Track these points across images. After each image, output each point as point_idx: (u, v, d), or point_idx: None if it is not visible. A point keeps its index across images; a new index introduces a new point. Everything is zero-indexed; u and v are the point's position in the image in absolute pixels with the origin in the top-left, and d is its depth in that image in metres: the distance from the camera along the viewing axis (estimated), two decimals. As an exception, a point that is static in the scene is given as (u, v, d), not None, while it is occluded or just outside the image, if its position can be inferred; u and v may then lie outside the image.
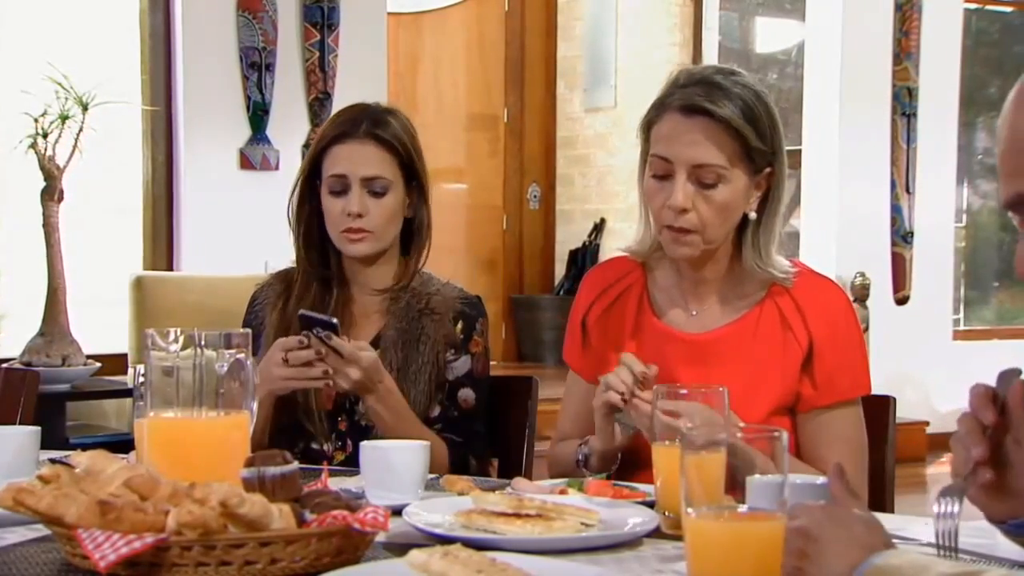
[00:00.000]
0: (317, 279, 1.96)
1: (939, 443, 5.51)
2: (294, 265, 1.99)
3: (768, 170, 1.65)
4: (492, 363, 2.00)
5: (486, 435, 1.96)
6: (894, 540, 1.05)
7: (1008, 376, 1.17)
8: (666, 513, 1.32)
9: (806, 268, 1.73)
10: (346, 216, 1.88)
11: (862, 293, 5.57)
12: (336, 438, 1.91)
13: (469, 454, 1.91)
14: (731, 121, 1.59)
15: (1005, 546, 1.21)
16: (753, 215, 1.66)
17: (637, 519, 1.33)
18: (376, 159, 1.89)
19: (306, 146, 4.63)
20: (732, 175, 1.61)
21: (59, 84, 3.40)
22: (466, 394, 1.92)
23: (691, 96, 1.60)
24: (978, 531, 1.23)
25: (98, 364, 3.56)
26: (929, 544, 1.17)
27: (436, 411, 1.90)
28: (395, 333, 1.91)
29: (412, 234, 1.97)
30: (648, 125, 1.67)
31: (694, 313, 1.73)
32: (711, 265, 1.70)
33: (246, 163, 4.61)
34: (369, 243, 1.90)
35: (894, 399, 1.85)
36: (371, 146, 1.89)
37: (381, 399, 1.79)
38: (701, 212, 1.61)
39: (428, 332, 1.91)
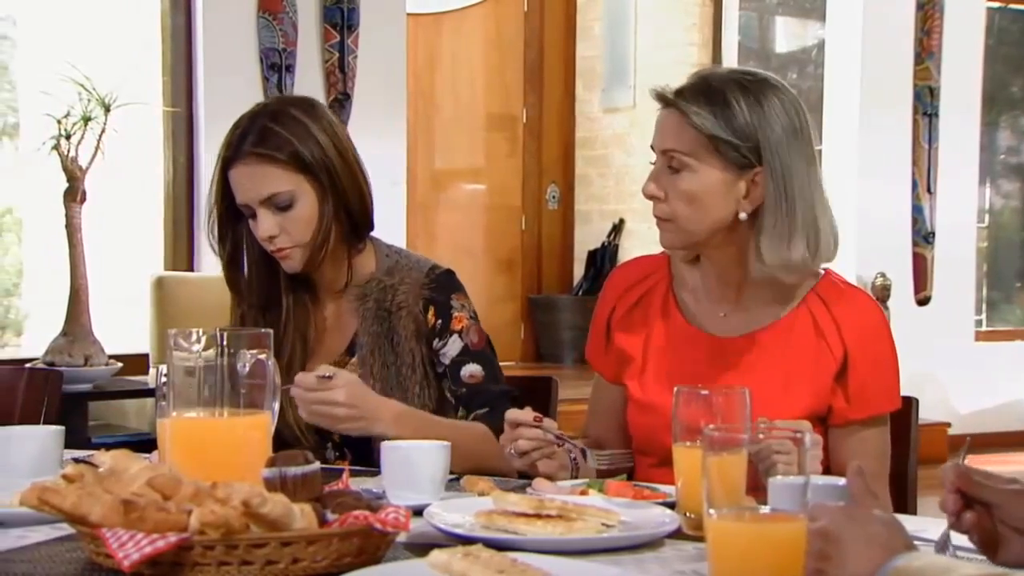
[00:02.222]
0: (257, 307, 1.87)
1: (960, 444, 5.47)
2: None
3: (757, 169, 1.62)
4: (510, 363, 1.99)
5: (509, 392, 1.88)
6: (915, 542, 1.05)
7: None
8: (687, 514, 1.32)
9: (839, 277, 1.72)
10: (264, 240, 1.82)
11: (883, 294, 5.54)
12: (332, 447, 1.87)
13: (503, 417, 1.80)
14: (687, 111, 1.61)
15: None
16: (743, 216, 1.64)
17: (658, 520, 1.33)
18: (266, 177, 1.78)
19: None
20: (697, 166, 1.62)
21: (81, 86, 3.42)
22: (471, 369, 1.85)
23: (667, 88, 1.65)
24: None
25: (119, 364, 3.58)
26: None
27: (449, 399, 1.85)
28: (369, 339, 1.85)
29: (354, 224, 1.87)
30: None
31: (723, 315, 1.71)
32: (730, 268, 1.68)
33: (266, 164, 4.63)
34: (297, 257, 1.81)
35: (916, 400, 1.84)
36: (257, 165, 1.78)
37: (396, 425, 1.68)
38: (671, 200, 1.64)
39: (398, 329, 1.85)
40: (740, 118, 1.60)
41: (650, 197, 1.65)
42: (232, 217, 1.86)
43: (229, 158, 1.81)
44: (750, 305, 1.70)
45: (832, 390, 1.65)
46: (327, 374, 1.65)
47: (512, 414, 1.61)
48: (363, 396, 1.68)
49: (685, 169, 1.62)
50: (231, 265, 1.89)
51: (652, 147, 1.67)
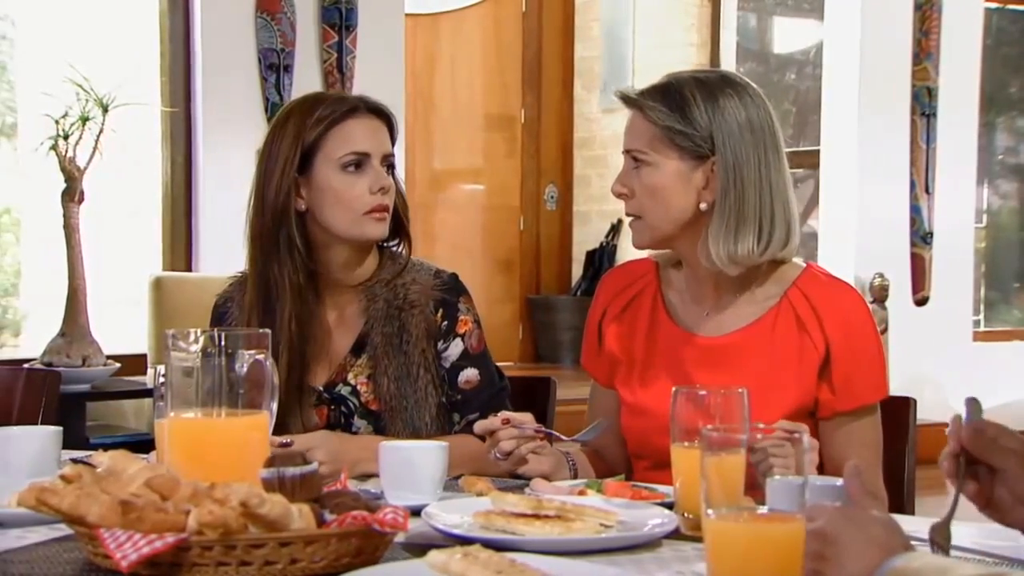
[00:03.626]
0: (261, 302, 1.84)
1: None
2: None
3: (714, 159, 1.64)
4: (509, 364, 1.99)
5: (503, 390, 1.90)
6: (913, 542, 1.05)
7: (969, 406, 1.18)
8: (685, 514, 1.32)
9: (821, 270, 1.72)
10: (371, 194, 1.82)
11: (881, 294, 5.54)
12: None
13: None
14: (644, 106, 1.66)
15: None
16: (704, 206, 1.65)
17: (656, 520, 1.33)
18: (386, 136, 1.88)
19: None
20: (655, 159, 1.65)
21: (79, 86, 3.42)
22: (468, 375, 1.87)
23: (631, 89, 1.70)
24: (1002, 533, 1.22)
25: (117, 364, 3.57)
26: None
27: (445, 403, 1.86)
28: (382, 339, 1.85)
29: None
30: None
31: (706, 314, 1.72)
32: (704, 265, 1.68)
33: (264, 164, 4.62)
34: (386, 223, 1.86)
35: (915, 401, 1.84)
36: (379, 122, 1.87)
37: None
38: (637, 196, 1.68)
39: (409, 328, 1.85)
40: (695, 110, 1.64)
41: (617, 195, 1.70)
42: (287, 201, 1.84)
43: (353, 109, 1.85)
44: (730, 303, 1.70)
45: (817, 383, 1.66)
46: (285, 441, 1.63)
47: (480, 426, 1.62)
48: (339, 450, 1.67)
49: (646, 163, 1.66)
50: (289, 257, 1.82)
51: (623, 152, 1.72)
